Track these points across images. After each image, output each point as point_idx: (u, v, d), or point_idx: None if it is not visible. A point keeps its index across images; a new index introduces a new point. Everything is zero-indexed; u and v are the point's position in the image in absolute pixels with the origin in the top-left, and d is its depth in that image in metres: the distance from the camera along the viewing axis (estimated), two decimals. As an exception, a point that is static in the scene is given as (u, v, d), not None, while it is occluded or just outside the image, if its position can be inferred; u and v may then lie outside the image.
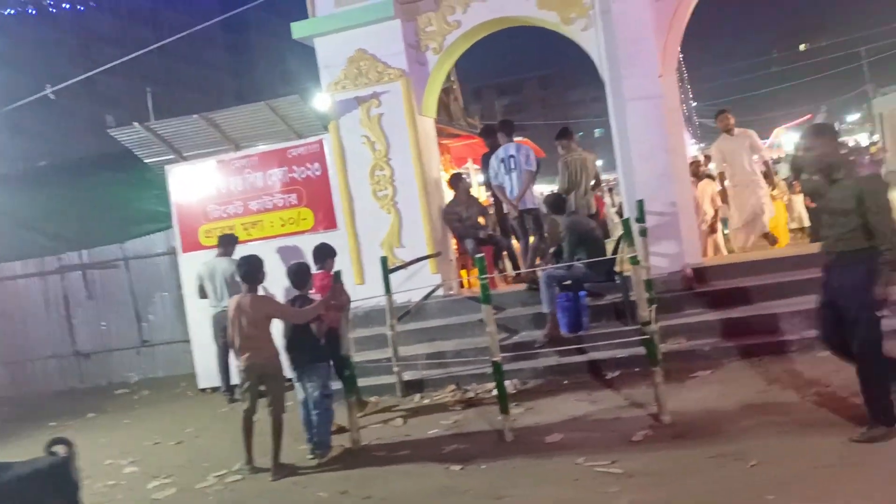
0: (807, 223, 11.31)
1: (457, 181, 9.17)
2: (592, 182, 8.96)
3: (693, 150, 21.38)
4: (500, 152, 8.54)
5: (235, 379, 7.20)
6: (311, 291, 6.14)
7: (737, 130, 9.35)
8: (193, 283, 8.57)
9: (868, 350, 4.38)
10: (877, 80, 37.23)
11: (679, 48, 8.15)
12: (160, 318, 10.48)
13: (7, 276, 10.96)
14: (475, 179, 13.02)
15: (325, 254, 6.90)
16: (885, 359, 4.43)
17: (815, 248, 9.54)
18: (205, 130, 9.07)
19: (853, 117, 50.75)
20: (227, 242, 8.35)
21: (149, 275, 10.46)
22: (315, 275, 6.79)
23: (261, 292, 6.01)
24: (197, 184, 9.29)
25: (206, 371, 9.06)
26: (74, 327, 10.82)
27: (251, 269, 5.76)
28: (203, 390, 9.20)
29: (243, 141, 9.26)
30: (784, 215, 11.01)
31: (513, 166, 8.41)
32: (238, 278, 6.11)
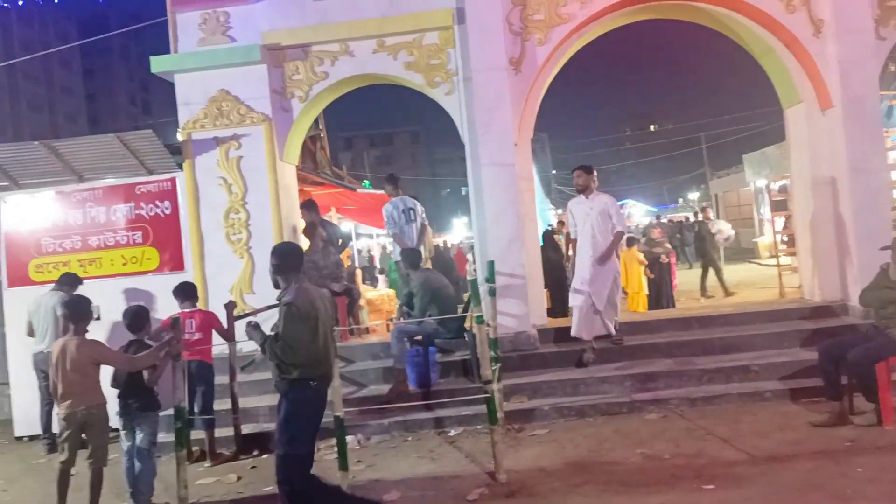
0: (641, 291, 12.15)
1: (313, 229, 9.09)
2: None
3: (550, 215, 22.50)
4: (399, 203, 8.70)
5: (57, 426, 6.62)
6: (146, 337, 5.82)
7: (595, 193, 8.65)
8: (22, 319, 7.88)
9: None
10: (713, 164, 41.18)
11: (534, 119, 8.62)
12: (-24, 357, 9.48)
13: None
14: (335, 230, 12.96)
15: (192, 293, 6.78)
16: None
17: (645, 315, 10.31)
18: (45, 159, 8.48)
19: (694, 195, 55.61)
20: (68, 282, 7.70)
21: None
22: (192, 313, 6.53)
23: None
24: (31, 214, 8.64)
25: (25, 418, 8.28)
26: None
27: (77, 310, 5.38)
28: (20, 438, 8.38)
29: (88, 173, 8.74)
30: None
31: (413, 218, 8.67)
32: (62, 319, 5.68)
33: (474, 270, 15.64)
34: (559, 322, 9.20)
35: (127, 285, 8.39)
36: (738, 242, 28.44)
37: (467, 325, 7.53)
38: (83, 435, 5.32)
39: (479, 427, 6.67)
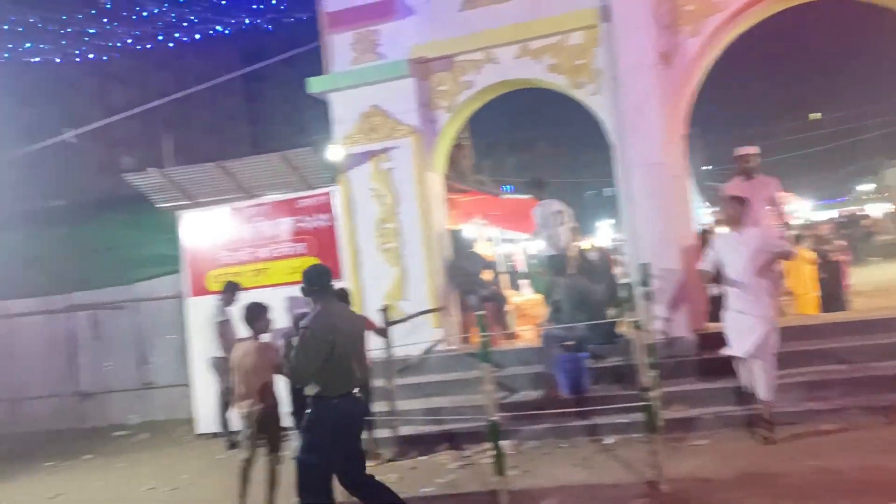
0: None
1: (461, 237, 9.26)
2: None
3: (703, 213, 21.46)
4: (549, 206, 8.75)
5: (235, 425, 7.18)
6: None
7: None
8: (202, 326, 8.63)
9: None
10: (887, 153, 37.55)
11: (687, 115, 8.28)
12: (163, 361, 10.48)
13: (13, 313, 11.04)
14: (482, 235, 13.11)
15: (345, 299, 7.12)
16: None
17: (822, 318, 9.57)
18: (219, 178, 9.25)
19: (865, 187, 50.94)
20: (228, 290, 8.39)
21: (155, 317, 10.51)
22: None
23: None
24: (208, 230, 9.45)
25: (206, 416, 9.03)
26: (79, 366, 10.84)
27: (251, 315, 5.79)
28: (201, 435, 9.15)
29: (256, 189, 9.43)
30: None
31: (562, 220, 8.72)
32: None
33: (625, 274, 15.25)
34: (720, 327, 8.75)
35: (291, 294, 8.94)
36: (919, 237, 25.73)
37: (620, 329, 7.37)
38: (261, 434, 5.73)
39: (635, 435, 6.47)
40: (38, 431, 10.48)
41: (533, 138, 71.45)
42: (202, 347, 8.81)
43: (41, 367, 10.89)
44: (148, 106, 13.25)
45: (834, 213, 31.72)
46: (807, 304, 10.77)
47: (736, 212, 6.37)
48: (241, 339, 6.03)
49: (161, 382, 10.44)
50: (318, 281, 4.78)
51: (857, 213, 32.37)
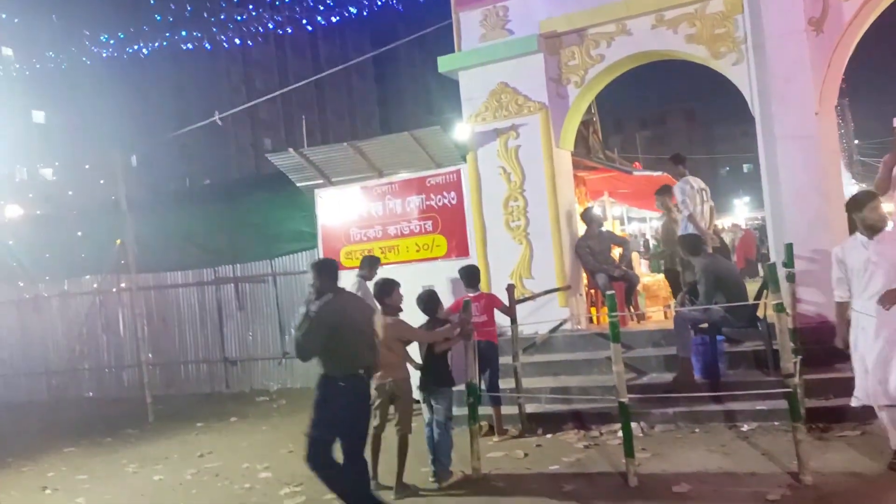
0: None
1: (590, 215, 9.09)
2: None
3: (852, 191, 19.91)
4: (693, 182, 8.44)
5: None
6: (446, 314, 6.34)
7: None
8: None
9: None
10: None
11: (838, 85, 7.67)
12: (300, 333, 11.05)
13: (169, 284, 12.02)
14: (610, 213, 12.81)
15: (478, 276, 7.29)
16: None
17: None
18: (351, 157, 9.57)
19: None
20: (367, 265, 8.40)
21: (293, 290, 11.10)
22: (477, 296, 7.03)
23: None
24: (342, 207, 9.82)
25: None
26: (224, 336, 11.66)
27: (382, 291, 5.98)
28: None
29: (386, 168, 9.68)
30: None
31: (706, 198, 8.47)
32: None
33: (767, 254, 14.43)
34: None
35: (419, 270, 9.15)
36: None
37: (760, 312, 6.99)
38: (391, 406, 5.94)
39: (776, 423, 6.15)
40: (189, 394, 11.41)
41: (665, 113, 68.73)
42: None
43: (193, 335, 11.83)
44: (288, 89, 13.90)
45: None
46: None
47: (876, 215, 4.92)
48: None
49: (298, 352, 11.01)
50: (325, 273, 5.15)
51: None
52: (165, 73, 41.99)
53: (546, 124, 8.60)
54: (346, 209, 9.80)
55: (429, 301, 6.24)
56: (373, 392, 5.98)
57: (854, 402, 5.13)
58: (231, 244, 11.48)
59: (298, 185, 10.15)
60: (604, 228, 9.47)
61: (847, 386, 6.40)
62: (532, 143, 8.68)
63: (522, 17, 8.70)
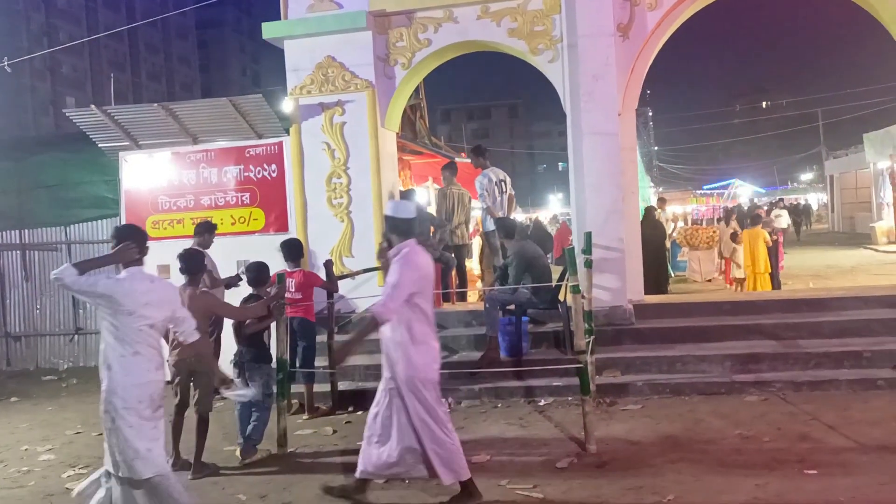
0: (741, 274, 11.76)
1: (409, 197, 9.21)
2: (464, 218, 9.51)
3: (650, 193, 21.87)
4: (492, 175, 8.93)
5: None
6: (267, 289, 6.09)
7: None
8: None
9: None
10: (830, 144, 38.75)
11: (640, 89, 8.36)
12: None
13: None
14: (433, 198, 13.08)
15: (299, 251, 7.01)
16: None
17: (750, 295, 9.90)
18: (163, 120, 8.94)
19: (806, 176, 52.52)
20: (205, 230, 7.50)
21: (90, 262, 10.20)
22: (293, 272, 6.78)
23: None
24: (150, 173, 9.16)
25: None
26: (7, 308, 10.48)
27: (190, 264, 5.67)
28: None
29: (202, 135, 9.15)
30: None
31: (504, 189, 8.96)
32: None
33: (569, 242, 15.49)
34: (656, 299, 8.99)
35: (234, 244, 8.77)
36: (854, 227, 26.79)
37: (562, 296, 7.48)
38: (191, 381, 5.64)
39: (569, 398, 6.63)
40: (-39, 371, 10.15)
41: (491, 107, 71.23)
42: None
43: (-34, 306, 10.50)
44: (89, 39, 12.67)
45: (774, 198, 32.69)
46: (764, 283, 11.16)
47: None
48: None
49: (93, 328, 10.17)
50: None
51: (797, 201, 33.58)
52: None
53: (372, 103, 8.57)
54: (154, 175, 9.14)
55: (259, 272, 5.99)
56: (171, 369, 5.66)
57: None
58: (18, 207, 10.32)
59: (101, 146, 9.32)
60: (426, 210, 9.66)
61: (634, 364, 7.09)
62: (358, 120, 8.62)
63: (353, -9, 8.58)
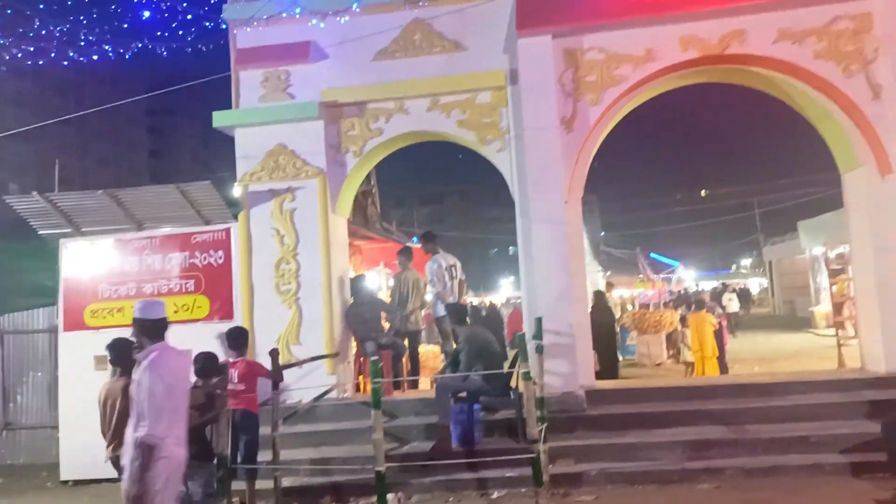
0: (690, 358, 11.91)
1: (360, 282, 9.16)
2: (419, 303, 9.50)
3: (599, 277, 22.22)
4: (442, 260, 9.09)
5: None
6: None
7: None
8: (77, 364, 8.08)
9: None
10: (767, 231, 40.39)
11: (584, 178, 8.60)
12: (29, 400, 9.68)
13: None
14: (386, 283, 13.02)
15: (244, 340, 6.79)
16: None
17: (697, 380, 10.00)
18: (107, 207, 8.79)
19: (746, 261, 54.38)
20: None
21: (24, 352, 9.73)
22: (235, 363, 6.54)
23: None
24: (90, 261, 8.92)
25: (72, 462, 8.37)
26: (-72, 401, 9.85)
27: (122, 353, 5.42)
28: (65, 482, 8.45)
29: (148, 221, 9.01)
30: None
31: (454, 274, 9.09)
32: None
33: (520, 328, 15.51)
34: (608, 384, 8.97)
35: (177, 332, 8.46)
36: (794, 311, 27.59)
37: (513, 382, 7.40)
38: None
39: (523, 490, 6.46)
40: None
41: (443, 193, 72.43)
42: (74, 387, 8.20)
43: None
44: (34, 126, 12.53)
45: (716, 283, 33.58)
46: (712, 367, 11.30)
47: None
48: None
49: (25, 423, 9.62)
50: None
51: (738, 286, 34.55)
52: None
53: (323, 189, 8.61)
54: (95, 262, 8.89)
55: (204, 362, 5.77)
56: (111, 464, 5.35)
57: None
58: (-51, 294, 9.88)
59: (41, 233, 9.08)
60: (377, 296, 9.60)
61: (587, 452, 6.99)
62: (308, 206, 8.62)
63: (305, 83, 8.75)
